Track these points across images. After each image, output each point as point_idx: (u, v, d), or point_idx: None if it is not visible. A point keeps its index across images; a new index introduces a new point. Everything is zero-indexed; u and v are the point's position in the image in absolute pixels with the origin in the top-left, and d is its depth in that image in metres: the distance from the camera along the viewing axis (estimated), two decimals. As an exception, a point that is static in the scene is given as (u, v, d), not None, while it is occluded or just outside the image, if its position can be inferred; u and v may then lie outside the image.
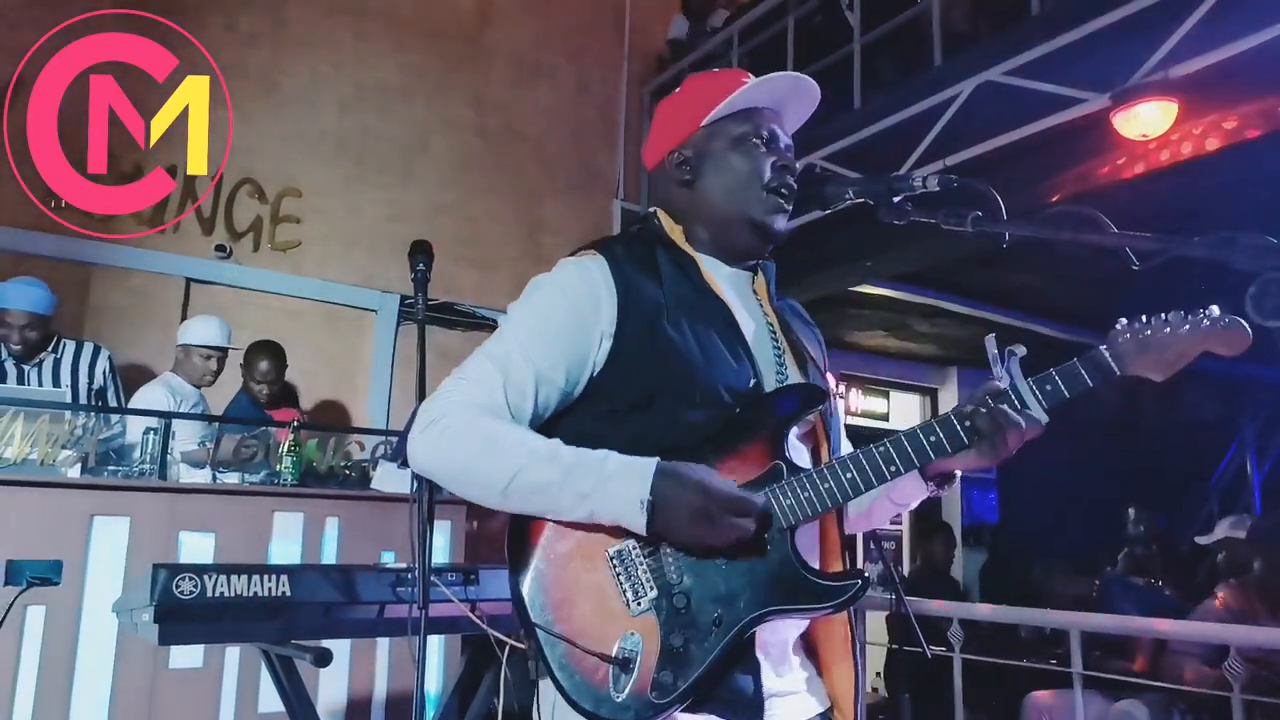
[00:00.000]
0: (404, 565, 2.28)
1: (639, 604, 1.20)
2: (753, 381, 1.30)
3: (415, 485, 1.95)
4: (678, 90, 1.49)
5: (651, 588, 1.21)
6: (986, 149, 4.10)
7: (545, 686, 1.24)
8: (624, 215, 6.73)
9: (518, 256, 6.25)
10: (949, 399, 8.04)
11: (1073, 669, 3.27)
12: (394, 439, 4.10)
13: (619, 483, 1.17)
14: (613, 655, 1.17)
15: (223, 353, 4.19)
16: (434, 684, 3.33)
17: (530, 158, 6.45)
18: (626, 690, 1.16)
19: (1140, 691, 3.47)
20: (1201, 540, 4.37)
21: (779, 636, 1.28)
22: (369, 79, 5.87)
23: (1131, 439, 7.27)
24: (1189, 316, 1.21)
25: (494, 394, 1.24)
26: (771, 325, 1.41)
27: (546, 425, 1.30)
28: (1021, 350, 1.25)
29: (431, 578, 1.91)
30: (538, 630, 1.20)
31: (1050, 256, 4.49)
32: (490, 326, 6.04)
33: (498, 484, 1.20)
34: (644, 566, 1.21)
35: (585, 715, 1.18)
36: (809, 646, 1.36)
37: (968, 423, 1.23)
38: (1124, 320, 1.24)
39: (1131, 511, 5.46)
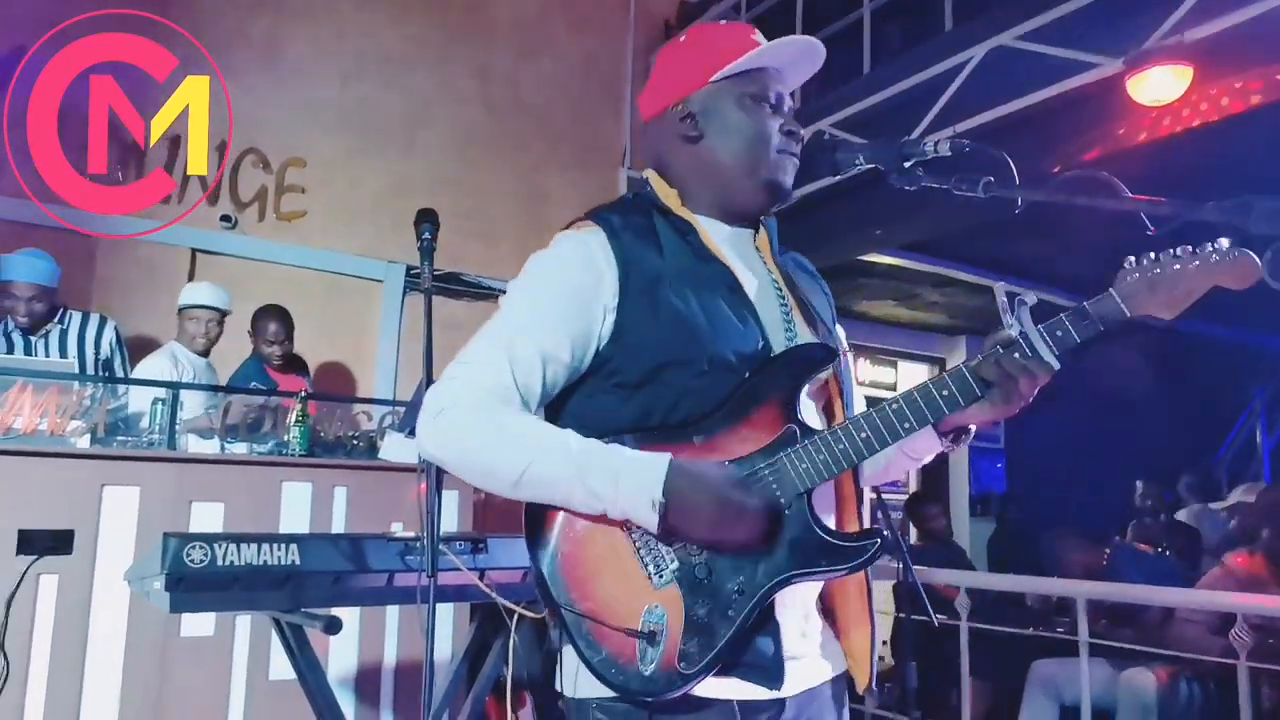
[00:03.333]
0: (413, 534, 2.29)
1: (661, 577, 1.19)
2: (761, 344, 1.27)
3: (423, 455, 1.95)
4: (682, 39, 1.44)
5: (673, 560, 1.20)
6: (999, 114, 4.04)
7: (567, 655, 1.24)
8: (630, 186, 6.68)
9: (522, 228, 6.22)
10: (957, 369, 8.02)
11: (1079, 637, 3.28)
12: (401, 409, 4.11)
13: (630, 480, 1.16)
14: (639, 629, 1.17)
15: (213, 313, 4.19)
16: (443, 652, 3.36)
17: (534, 129, 6.39)
18: (655, 663, 1.16)
19: (1147, 660, 3.48)
20: (1215, 506, 4.37)
21: (799, 599, 1.28)
22: (371, 49, 5.81)
23: (1141, 408, 7.24)
24: (1197, 251, 1.17)
25: (501, 377, 1.22)
26: (777, 283, 1.38)
27: (555, 401, 1.28)
28: (1032, 299, 1.22)
29: (440, 546, 1.92)
30: (562, 609, 1.20)
31: (1063, 224, 4.45)
32: (495, 297, 6.03)
33: (509, 476, 1.19)
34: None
35: (615, 689, 1.18)
36: (826, 609, 1.36)
37: (978, 373, 1.22)
38: (1131, 259, 1.21)
39: (1139, 484, 5.46)
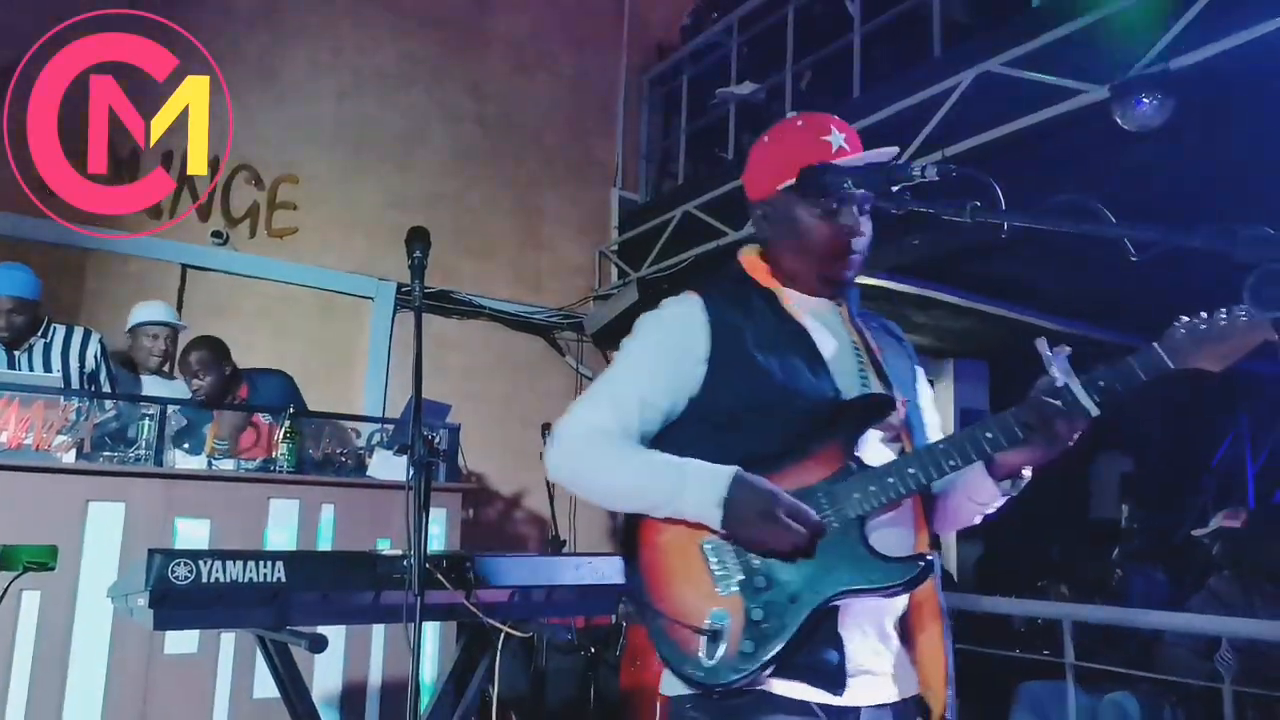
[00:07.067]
0: (399, 552, 2.28)
1: (726, 585, 1.39)
2: (833, 394, 1.46)
3: (411, 472, 1.95)
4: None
5: (738, 571, 1.39)
6: (985, 139, 4.08)
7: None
8: (622, 204, 6.71)
9: (516, 245, 6.24)
10: (945, 390, 8.06)
11: (1065, 660, 3.28)
12: (390, 426, 4.10)
13: (699, 483, 1.39)
14: (704, 628, 1.36)
15: (169, 329, 4.24)
16: (429, 671, 3.34)
17: (528, 147, 6.42)
18: (716, 658, 1.35)
19: (1132, 683, 3.48)
20: (1198, 533, 4.39)
21: (868, 616, 1.41)
22: (368, 66, 5.85)
23: (1127, 431, 7.27)
24: (1248, 310, 1.26)
25: (604, 417, 1.49)
26: (855, 344, 1.57)
27: (656, 439, 1.51)
28: (1067, 350, 1.35)
29: (427, 565, 1.91)
30: (644, 607, 1.42)
31: (1048, 248, 4.48)
32: (486, 315, 6.05)
33: (611, 489, 1.48)
34: (731, 554, 1.40)
35: (682, 678, 1.38)
36: (907, 635, 1.47)
37: (1020, 417, 1.37)
38: (1183, 317, 1.31)
39: (1125, 507, 5.49)
